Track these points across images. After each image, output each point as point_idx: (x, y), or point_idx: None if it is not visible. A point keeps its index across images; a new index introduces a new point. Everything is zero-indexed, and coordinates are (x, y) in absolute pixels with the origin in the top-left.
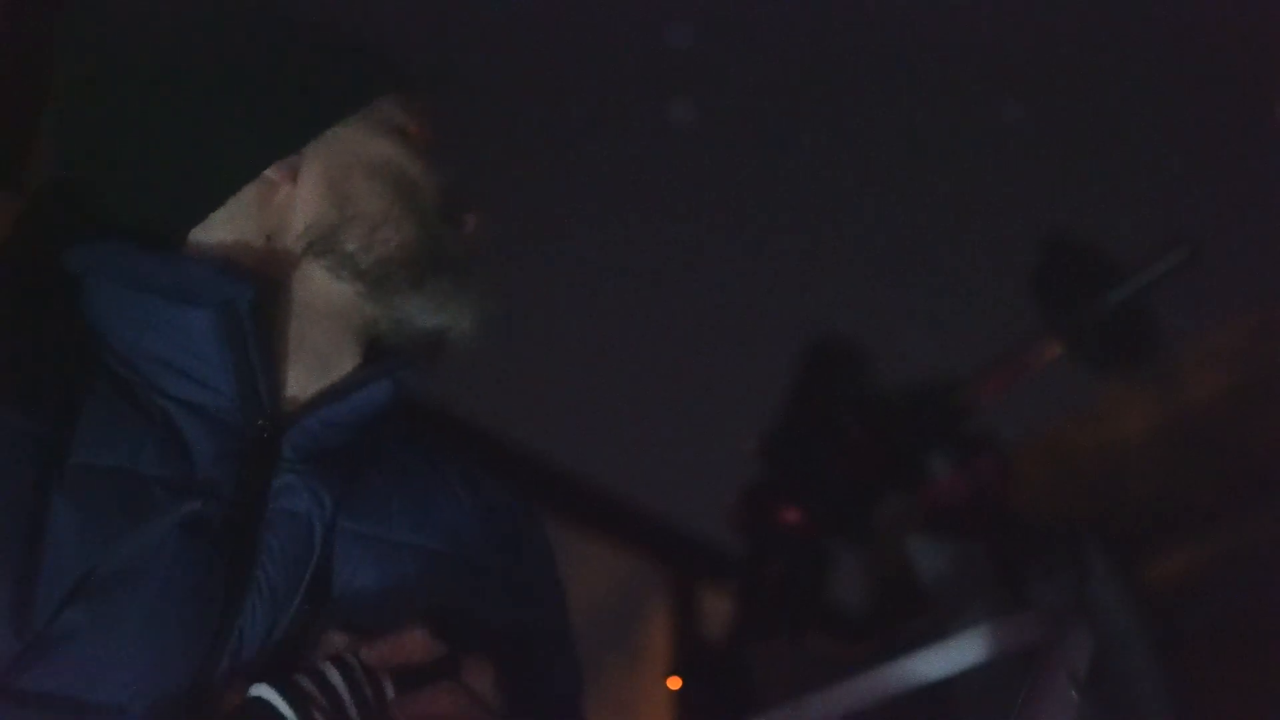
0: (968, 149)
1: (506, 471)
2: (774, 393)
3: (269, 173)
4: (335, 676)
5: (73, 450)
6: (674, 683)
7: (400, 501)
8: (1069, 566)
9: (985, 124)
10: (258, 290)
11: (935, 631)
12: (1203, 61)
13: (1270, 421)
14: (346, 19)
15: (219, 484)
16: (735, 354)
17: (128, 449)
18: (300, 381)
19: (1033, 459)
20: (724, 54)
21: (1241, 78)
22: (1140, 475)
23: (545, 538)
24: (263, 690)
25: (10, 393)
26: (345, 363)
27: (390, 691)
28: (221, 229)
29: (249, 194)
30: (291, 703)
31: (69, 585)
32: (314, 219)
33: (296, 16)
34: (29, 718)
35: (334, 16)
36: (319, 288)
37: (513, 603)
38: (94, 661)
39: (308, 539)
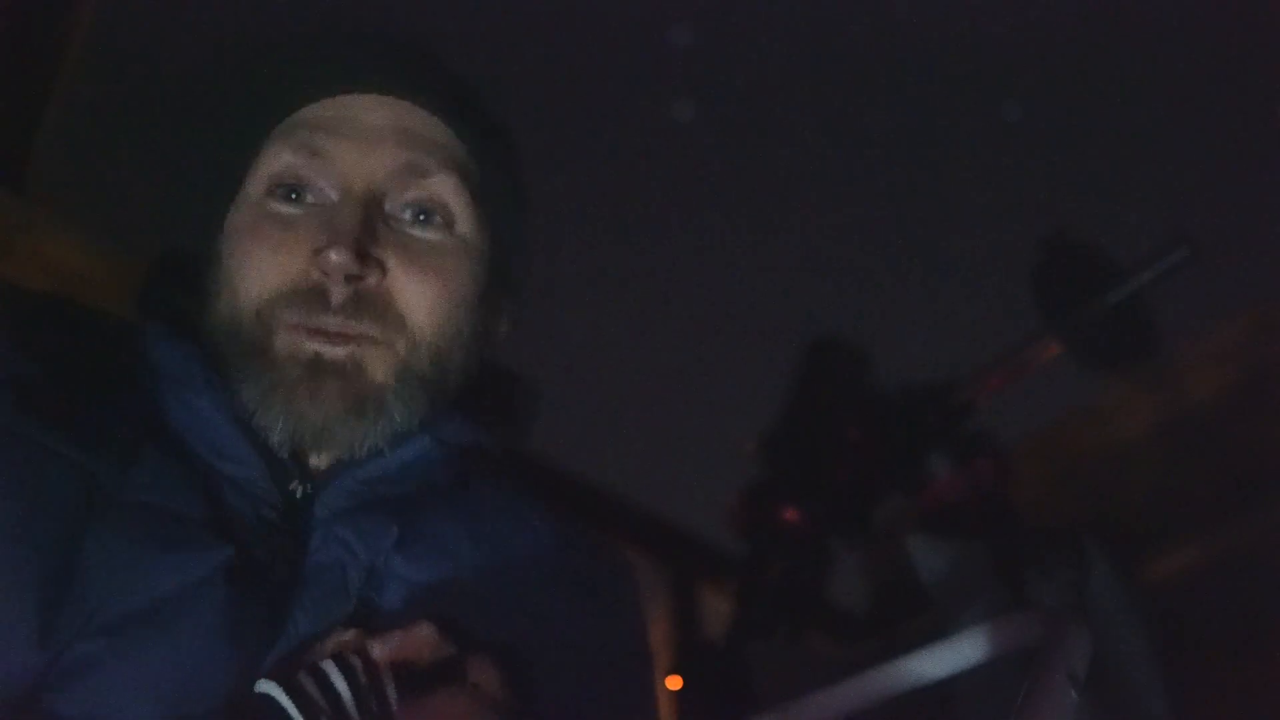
0: (968, 149)
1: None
2: (774, 393)
3: None
4: (337, 676)
5: (125, 489)
6: (674, 683)
7: (466, 547)
8: (1069, 566)
9: (985, 124)
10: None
11: (935, 631)
12: (1202, 61)
13: (1270, 421)
14: (344, 21)
15: (257, 541)
16: (735, 354)
17: (179, 495)
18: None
19: (1033, 459)
20: (724, 54)
21: (1241, 78)
22: (1140, 475)
23: (636, 606)
24: (269, 688)
25: (71, 429)
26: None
27: (393, 693)
28: None
29: None
30: (296, 702)
31: (97, 615)
32: None
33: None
34: None
35: (329, 19)
36: None
37: (582, 663)
38: (114, 693)
39: (341, 589)
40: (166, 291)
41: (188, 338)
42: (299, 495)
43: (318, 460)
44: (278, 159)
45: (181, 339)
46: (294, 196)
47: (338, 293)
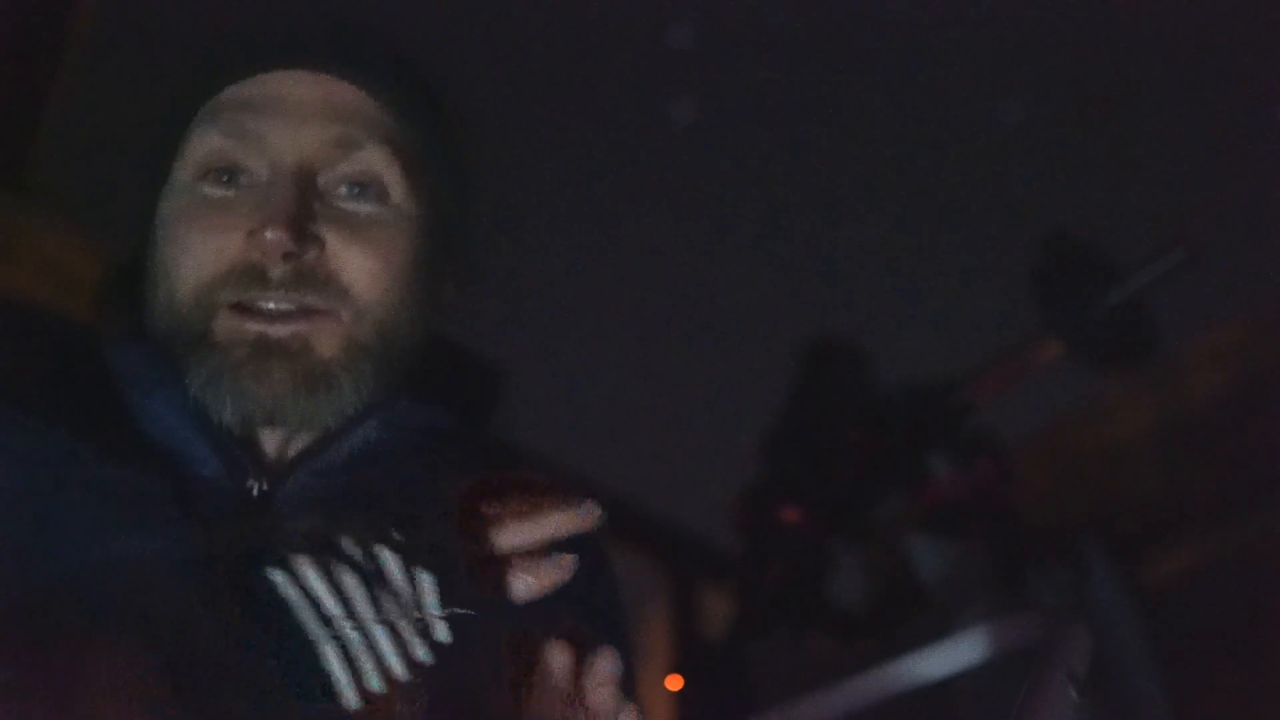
0: (968, 149)
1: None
2: (774, 393)
3: None
4: (354, 579)
5: (92, 467)
6: (674, 683)
7: None
8: (1069, 566)
9: (985, 124)
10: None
11: (935, 631)
12: (1203, 61)
13: (1270, 421)
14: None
15: (217, 538)
16: (735, 354)
17: (144, 476)
18: (289, 436)
19: (1033, 459)
20: (724, 54)
21: (1241, 78)
22: (1140, 475)
23: (615, 589)
24: (276, 576)
25: (37, 407)
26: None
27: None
28: None
29: None
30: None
31: (63, 585)
32: None
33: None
34: (12, 708)
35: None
36: None
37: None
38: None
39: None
40: (122, 295)
41: (143, 340)
42: (255, 493)
43: (271, 449)
44: (205, 142)
45: (136, 341)
46: (225, 179)
47: (275, 270)
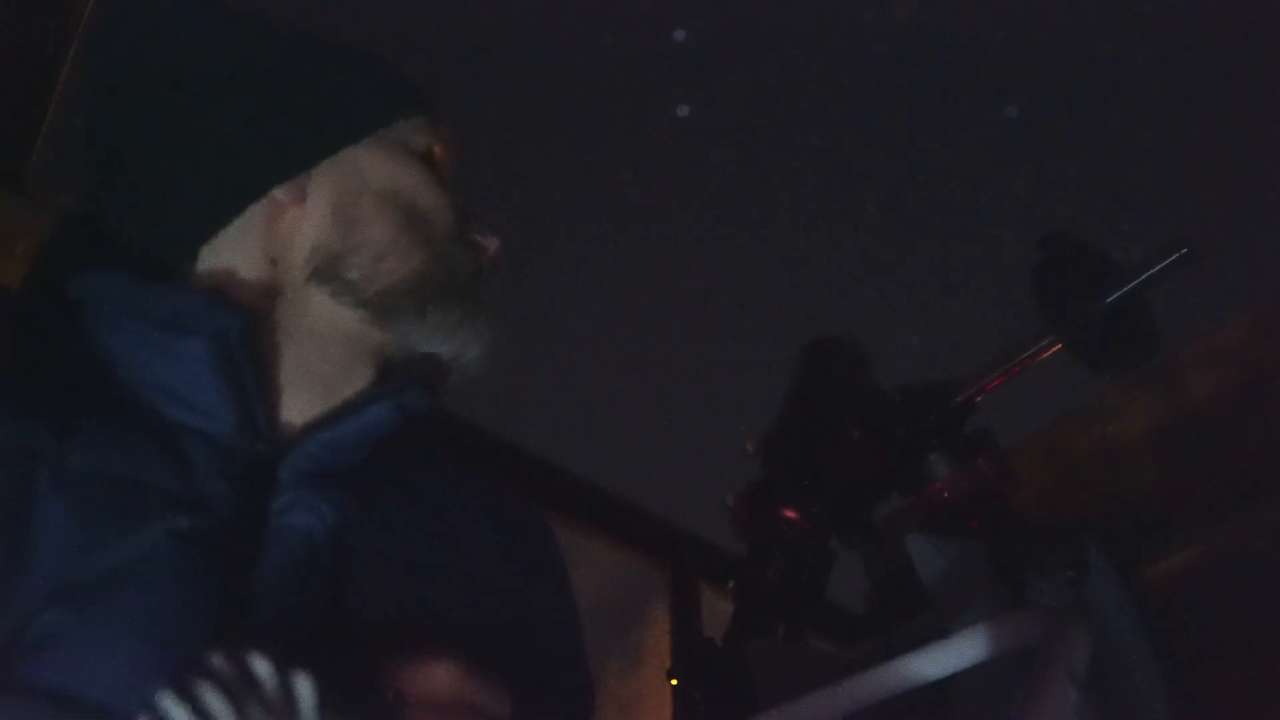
0: (968, 149)
1: (503, 472)
2: (774, 393)
3: (277, 194)
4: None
5: (70, 456)
6: (674, 683)
7: (415, 520)
8: (1069, 566)
9: (985, 124)
10: (250, 318)
11: (935, 631)
12: (1202, 61)
13: (1270, 421)
14: (352, 25)
15: (216, 501)
16: (735, 354)
17: (128, 459)
18: (303, 406)
19: (1033, 459)
20: (724, 54)
21: (1241, 78)
22: (1140, 475)
23: (561, 560)
24: (168, 704)
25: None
26: (353, 386)
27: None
28: (227, 251)
29: (256, 215)
30: None
31: (56, 584)
32: (318, 244)
33: (313, 31)
34: (8, 708)
35: (344, 26)
36: (322, 313)
37: (527, 624)
38: (78, 661)
39: (311, 552)
40: (94, 243)
41: (178, 283)
42: (262, 456)
43: (290, 418)
44: (433, 135)
45: (177, 287)
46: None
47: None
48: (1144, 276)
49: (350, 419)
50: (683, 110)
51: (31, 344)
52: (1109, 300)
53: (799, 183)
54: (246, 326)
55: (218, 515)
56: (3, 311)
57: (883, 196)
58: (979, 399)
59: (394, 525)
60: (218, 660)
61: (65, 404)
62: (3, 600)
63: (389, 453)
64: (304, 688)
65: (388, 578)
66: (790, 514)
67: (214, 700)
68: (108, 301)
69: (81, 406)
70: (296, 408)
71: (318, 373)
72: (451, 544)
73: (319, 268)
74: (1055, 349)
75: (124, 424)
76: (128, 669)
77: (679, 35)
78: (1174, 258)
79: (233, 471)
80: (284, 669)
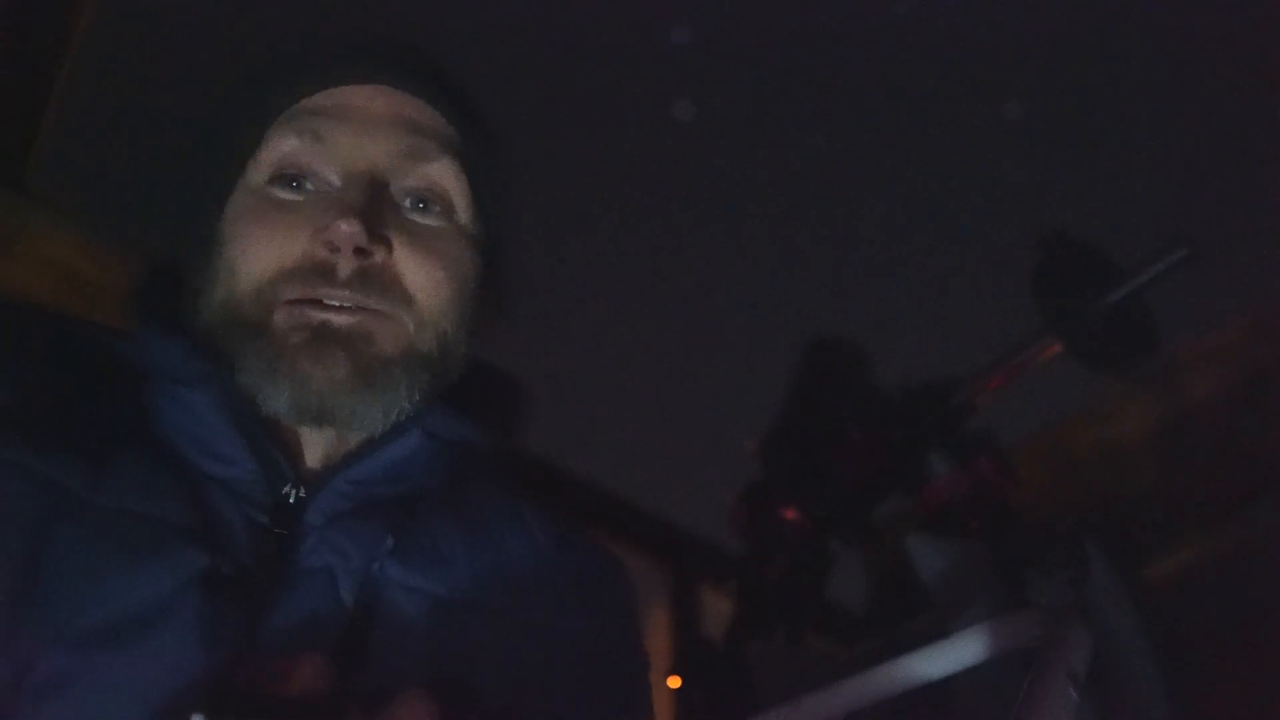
0: (968, 149)
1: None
2: (774, 393)
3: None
4: None
5: (98, 495)
6: (674, 683)
7: (463, 553)
8: (1069, 566)
9: (985, 124)
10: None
11: (935, 631)
12: (1203, 61)
13: (1270, 421)
14: (342, 18)
15: (239, 547)
16: (735, 354)
17: (153, 501)
18: (324, 444)
19: (1033, 459)
20: (724, 54)
21: (1241, 78)
22: (1140, 475)
23: (632, 606)
24: None
25: (31, 438)
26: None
27: None
28: None
29: None
30: None
31: (66, 628)
32: None
33: (313, 31)
34: None
35: (342, 26)
36: None
37: (583, 669)
38: (90, 708)
39: (331, 594)
40: (162, 294)
41: (184, 336)
42: (292, 500)
43: (312, 460)
44: (281, 145)
45: (179, 337)
46: (295, 184)
47: (345, 266)
48: (1144, 277)
49: (378, 453)
50: (682, 110)
51: (77, 384)
52: (1109, 300)
53: (799, 182)
54: (234, 371)
55: (240, 561)
56: (54, 351)
57: (883, 196)
58: (979, 399)
59: (433, 559)
60: None
61: (101, 445)
62: (6, 639)
63: (457, 480)
64: None
65: (423, 615)
66: (790, 514)
67: None
68: (136, 354)
69: (117, 449)
70: (319, 446)
71: None
72: (500, 580)
73: None
74: (1055, 349)
75: (155, 470)
76: (139, 714)
77: (678, 35)
78: (1174, 258)
79: (259, 518)
80: None
